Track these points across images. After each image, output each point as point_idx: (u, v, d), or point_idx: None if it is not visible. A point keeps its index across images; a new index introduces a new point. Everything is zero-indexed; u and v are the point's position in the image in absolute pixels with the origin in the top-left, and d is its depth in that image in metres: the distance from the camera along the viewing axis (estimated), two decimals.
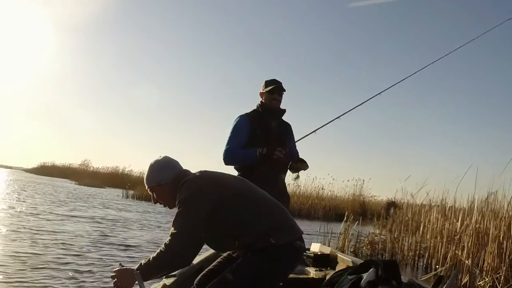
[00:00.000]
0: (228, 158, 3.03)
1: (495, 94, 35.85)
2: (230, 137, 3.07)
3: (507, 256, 4.99)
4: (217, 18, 70.30)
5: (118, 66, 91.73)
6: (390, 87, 4.46)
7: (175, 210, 1.92)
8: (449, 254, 5.82)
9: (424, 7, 44.31)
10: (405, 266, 6.60)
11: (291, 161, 3.17)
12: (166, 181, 2.01)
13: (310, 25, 58.08)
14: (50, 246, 5.37)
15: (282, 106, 3.21)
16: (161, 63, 77.43)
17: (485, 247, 5.33)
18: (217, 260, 2.15)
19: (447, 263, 5.77)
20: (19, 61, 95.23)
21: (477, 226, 5.65)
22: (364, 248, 7.42)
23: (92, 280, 3.95)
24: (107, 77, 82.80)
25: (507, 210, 5.58)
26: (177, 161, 2.11)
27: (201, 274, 2.10)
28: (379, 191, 20.28)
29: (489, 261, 5.14)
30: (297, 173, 3.23)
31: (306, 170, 3.25)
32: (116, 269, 1.90)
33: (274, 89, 3.11)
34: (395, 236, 7.41)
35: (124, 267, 1.90)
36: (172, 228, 1.88)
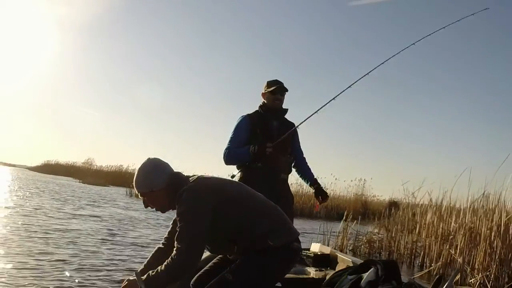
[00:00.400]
0: (228, 158, 3.12)
1: (495, 94, 35.86)
2: (231, 138, 3.17)
3: (497, 255, 5.17)
4: (220, 18, 70.30)
5: (122, 65, 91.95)
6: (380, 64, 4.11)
7: (171, 212, 1.96)
8: (442, 253, 6.03)
9: (425, 6, 44.25)
10: (402, 264, 6.81)
11: (312, 182, 3.35)
12: (159, 187, 1.99)
13: (311, 25, 58.00)
14: (61, 244, 5.57)
15: (284, 106, 3.25)
16: (165, 63, 77.51)
17: (477, 246, 5.52)
18: (212, 261, 2.19)
19: (440, 261, 5.98)
20: (22, 60, 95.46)
21: (470, 225, 5.83)
22: (362, 246, 7.61)
23: (104, 279, 4.15)
24: (111, 76, 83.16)
25: (499, 210, 5.74)
26: (166, 163, 2.08)
27: (197, 275, 2.13)
28: (382, 191, 20.45)
29: (480, 259, 5.33)
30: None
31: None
32: (125, 283, 1.94)
33: (276, 89, 3.16)
34: (393, 235, 7.59)
35: (134, 278, 1.89)
36: (179, 244, 1.87)
